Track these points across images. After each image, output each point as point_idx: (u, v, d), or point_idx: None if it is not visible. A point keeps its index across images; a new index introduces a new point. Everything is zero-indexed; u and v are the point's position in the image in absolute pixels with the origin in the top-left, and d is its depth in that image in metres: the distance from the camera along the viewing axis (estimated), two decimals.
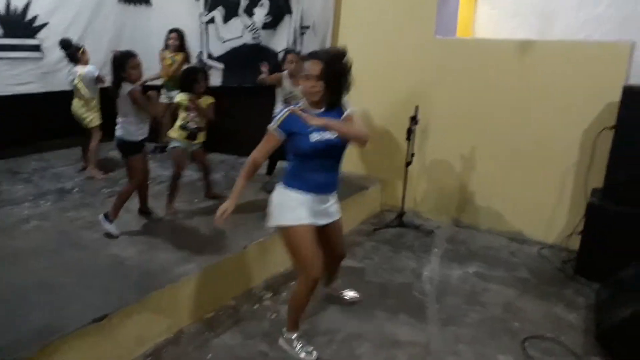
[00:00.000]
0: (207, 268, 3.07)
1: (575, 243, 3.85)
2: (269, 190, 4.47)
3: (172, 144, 4.01)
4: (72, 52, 4.92)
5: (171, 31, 5.53)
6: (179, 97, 3.97)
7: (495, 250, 4.16)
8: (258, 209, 4.02)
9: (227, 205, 2.50)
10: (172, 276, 2.92)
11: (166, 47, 5.56)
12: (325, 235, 2.71)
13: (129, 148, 3.54)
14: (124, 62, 3.44)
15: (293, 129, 2.46)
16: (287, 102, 4.44)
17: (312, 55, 2.53)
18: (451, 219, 4.71)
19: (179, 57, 5.52)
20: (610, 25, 4.76)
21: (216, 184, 4.49)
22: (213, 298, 3.12)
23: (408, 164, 4.43)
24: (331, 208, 2.71)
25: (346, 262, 3.81)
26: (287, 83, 4.44)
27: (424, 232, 4.46)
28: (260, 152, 2.56)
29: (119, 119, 3.53)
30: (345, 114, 2.53)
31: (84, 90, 4.86)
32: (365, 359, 2.70)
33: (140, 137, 3.57)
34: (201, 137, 4.07)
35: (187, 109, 3.95)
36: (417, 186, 4.82)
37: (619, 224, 3.46)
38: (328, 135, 2.46)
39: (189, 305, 2.98)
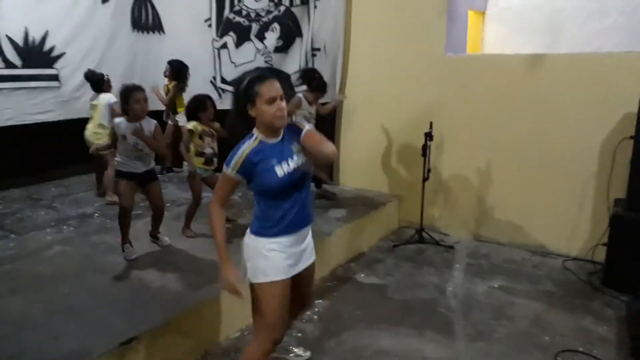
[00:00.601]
0: None
1: (600, 254, 3.80)
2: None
3: (190, 171, 3.92)
4: (97, 82, 5.04)
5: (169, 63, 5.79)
6: (192, 124, 3.90)
7: (518, 263, 4.12)
8: None
9: (228, 277, 2.17)
10: (196, 297, 2.92)
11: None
12: (297, 282, 2.29)
13: (116, 173, 3.54)
14: (127, 96, 3.38)
15: (254, 168, 2.09)
16: (308, 121, 4.46)
17: (267, 74, 2.13)
18: (471, 233, 4.68)
19: (171, 85, 5.73)
20: (619, 37, 4.80)
21: (233, 205, 4.49)
22: (238, 318, 3.09)
23: (425, 179, 4.42)
24: (308, 247, 2.33)
25: (368, 279, 3.84)
26: (306, 105, 4.48)
27: (445, 247, 4.43)
28: (220, 196, 2.20)
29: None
30: (304, 130, 2.15)
31: (99, 115, 4.93)
32: None
33: (123, 168, 3.46)
34: (215, 163, 4.03)
35: (200, 136, 3.91)
36: (435, 201, 4.80)
37: None
38: (294, 164, 2.14)
39: (214, 326, 2.97)
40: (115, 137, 3.48)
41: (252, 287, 2.21)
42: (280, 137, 2.15)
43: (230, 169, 2.09)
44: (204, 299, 2.93)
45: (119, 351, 2.44)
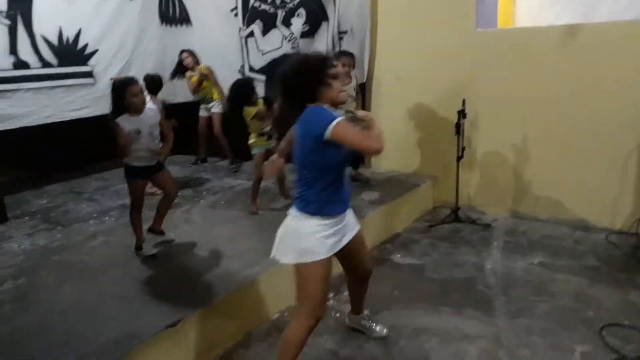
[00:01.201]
0: (270, 270, 3.10)
1: None
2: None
3: (254, 151, 4.20)
4: (154, 85, 4.95)
5: (181, 52, 5.83)
6: (249, 111, 4.03)
7: (559, 239, 4.03)
8: None
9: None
10: (237, 280, 2.99)
11: (181, 69, 5.91)
12: (348, 252, 2.39)
13: (126, 170, 3.42)
14: (123, 91, 3.22)
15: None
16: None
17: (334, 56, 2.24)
18: (508, 210, 4.60)
19: (202, 69, 5.76)
20: None
21: (268, 191, 4.54)
22: (278, 300, 3.16)
23: (459, 158, 4.37)
24: (350, 221, 2.39)
25: (404, 260, 3.84)
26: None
27: (481, 225, 4.37)
28: (365, 134, 2.10)
29: None
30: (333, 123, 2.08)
31: None
32: (435, 353, 2.66)
33: (136, 163, 3.37)
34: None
35: (260, 118, 4.06)
36: (470, 180, 4.74)
37: None
38: None
39: (256, 307, 3.04)
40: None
41: (299, 267, 2.25)
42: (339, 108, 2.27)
43: (339, 119, 2.03)
44: (244, 282, 2.99)
45: (166, 333, 2.52)
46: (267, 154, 4.06)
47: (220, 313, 2.81)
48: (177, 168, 5.79)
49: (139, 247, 3.50)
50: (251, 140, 4.19)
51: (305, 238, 2.20)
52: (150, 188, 4.86)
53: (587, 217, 4.21)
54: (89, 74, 5.75)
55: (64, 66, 5.54)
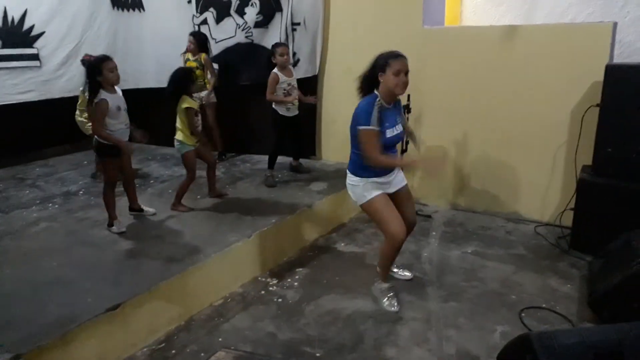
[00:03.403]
0: (213, 257, 3.18)
1: (568, 219, 3.96)
2: (270, 185, 4.63)
3: (185, 149, 3.95)
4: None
5: (190, 35, 5.50)
6: (190, 102, 3.88)
7: (493, 230, 4.28)
8: (261, 201, 4.17)
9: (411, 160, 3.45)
10: (180, 266, 3.04)
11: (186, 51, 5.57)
12: (397, 199, 3.04)
13: (101, 149, 3.53)
14: (99, 66, 3.37)
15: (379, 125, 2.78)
16: (289, 93, 4.57)
17: (401, 54, 2.86)
18: (448, 203, 4.84)
19: (202, 58, 5.44)
20: (592, 7, 4.88)
21: (217, 181, 4.58)
22: (221, 286, 3.24)
23: (403, 151, 4.54)
24: (396, 179, 3.05)
25: (347, 248, 3.99)
26: (282, 77, 4.55)
27: (423, 216, 4.57)
28: (376, 149, 2.78)
29: None
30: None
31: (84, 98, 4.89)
32: (369, 335, 2.82)
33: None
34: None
35: (196, 113, 3.95)
36: (413, 172, 4.93)
37: (609, 198, 3.57)
38: (398, 130, 2.90)
39: (198, 293, 3.10)
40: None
41: (364, 206, 2.97)
42: (393, 105, 2.89)
43: (371, 125, 2.74)
44: (187, 268, 3.04)
45: (105, 317, 2.57)
46: (197, 153, 4.01)
47: (161, 298, 2.86)
48: (136, 158, 5.68)
49: (110, 224, 3.60)
50: (180, 137, 3.94)
51: (354, 189, 2.99)
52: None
53: (519, 210, 4.49)
54: (35, 57, 5.60)
55: (8, 47, 5.37)
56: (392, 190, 3.02)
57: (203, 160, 4.18)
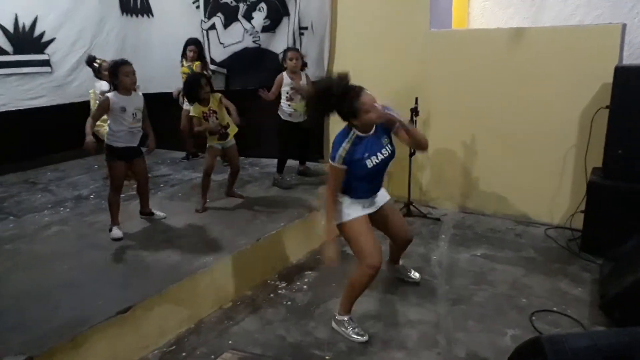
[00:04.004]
0: (223, 261, 3.20)
1: (579, 222, 3.94)
2: (281, 186, 4.66)
3: (208, 144, 4.19)
4: (94, 68, 4.96)
5: (189, 44, 5.54)
6: (192, 110, 4.03)
7: (502, 233, 4.27)
8: (269, 204, 4.19)
9: (330, 250, 2.70)
10: (190, 269, 3.06)
11: (184, 58, 5.63)
12: (382, 218, 2.95)
13: (109, 152, 3.58)
14: (116, 70, 3.48)
15: (352, 159, 2.62)
16: (291, 98, 4.60)
17: (361, 89, 2.61)
18: (457, 205, 4.82)
19: (195, 66, 5.49)
20: (600, 9, 4.86)
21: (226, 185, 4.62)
22: (231, 289, 3.26)
23: (412, 154, 4.54)
24: (379, 197, 2.93)
25: None
26: (289, 80, 4.58)
27: (431, 219, 4.57)
28: (333, 186, 2.69)
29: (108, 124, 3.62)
30: (395, 126, 2.71)
31: (94, 103, 4.93)
32: (378, 337, 2.81)
33: (120, 144, 3.57)
34: (233, 130, 4.20)
35: (205, 119, 4.05)
36: (422, 176, 4.94)
37: (619, 200, 3.54)
38: (384, 155, 2.70)
39: (208, 296, 3.12)
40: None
41: (342, 227, 2.77)
42: (373, 130, 2.67)
43: (335, 162, 2.62)
44: (197, 271, 3.06)
45: (116, 319, 2.59)
46: (217, 151, 4.20)
47: (171, 300, 2.88)
48: (149, 162, 5.75)
49: (110, 229, 3.62)
50: (208, 140, 4.20)
51: (341, 207, 2.77)
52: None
53: (529, 213, 4.46)
54: (46, 63, 5.68)
55: (19, 54, 5.45)
56: (375, 209, 2.90)
57: (228, 164, 4.43)
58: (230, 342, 2.82)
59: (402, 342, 2.78)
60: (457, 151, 4.73)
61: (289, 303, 3.22)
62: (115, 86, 3.54)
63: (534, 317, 2.96)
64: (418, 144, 2.88)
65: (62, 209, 4.32)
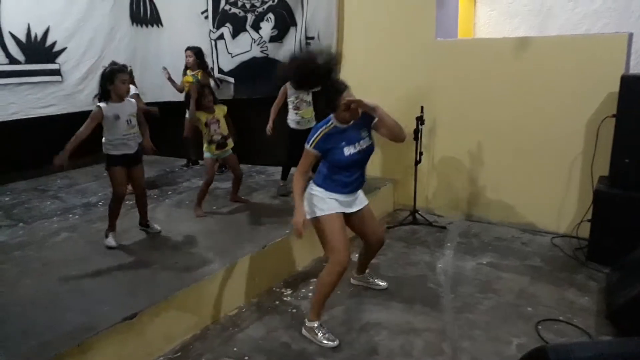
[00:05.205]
0: (229, 268, 3.22)
1: (585, 231, 3.92)
2: (283, 194, 4.69)
3: (205, 155, 4.31)
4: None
5: (186, 49, 5.62)
6: (201, 116, 4.19)
7: (508, 241, 4.25)
8: (275, 212, 4.21)
9: (298, 217, 2.71)
10: (196, 276, 3.08)
11: (186, 66, 5.68)
12: (359, 221, 3.00)
13: (107, 160, 3.59)
14: (113, 77, 3.47)
15: (327, 146, 2.74)
16: (297, 107, 4.63)
17: (345, 86, 2.74)
18: (463, 214, 4.82)
19: (199, 74, 5.53)
20: (607, 19, 4.88)
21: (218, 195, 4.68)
22: (236, 296, 3.27)
23: (417, 162, 4.56)
24: (358, 199, 2.98)
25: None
26: (292, 91, 4.62)
27: (437, 227, 4.57)
28: (302, 168, 2.80)
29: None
30: (375, 120, 2.80)
31: None
32: (383, 346, 2.81)
33: (117, 152, 3.56)
34: (230, 144, 4.34)
35: (206, 125, 4.17)
36: (428, 184, 4.94)
37: (626, 209, 3.53)
38: (362, 146, 2.79)
39: (214, 303, 3.14)
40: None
41: (315, 221, 2.81)
42: (350, 123, 2.76)
43: (309, 145, 2.74)
44: (203, 278, 3.08)
45: (122, 326, 2.60)
46: (215, 161, 4.35)
47: (177, 307, 2.90)
48: (155, 169, 5.87)
49: (106, 235, 3.63)
50: (204, 148, 4.32)
51: (312, 198, 2.82)
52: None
53: (535, 221, 4.45)
54: (57, 72, 5.76)
55: (31, 63, 5.54)
56: (352, 210, 2.93)
57: (231, 171, 4.54)
58: (235, 349, 2.83)
59: (408, 350, 2.77)
60: (463, 159, 4.73)
61: (294, 310, 3.23)
62: (106, 92, 3.49)
63: (539, 326, 2.94)
64: (392, 132, 2.80)
65: (71, 215, 4.37)
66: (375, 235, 3.11)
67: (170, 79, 5.64)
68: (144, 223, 3.93)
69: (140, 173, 3.79)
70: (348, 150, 2.74)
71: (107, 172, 3.67)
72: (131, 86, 4.84)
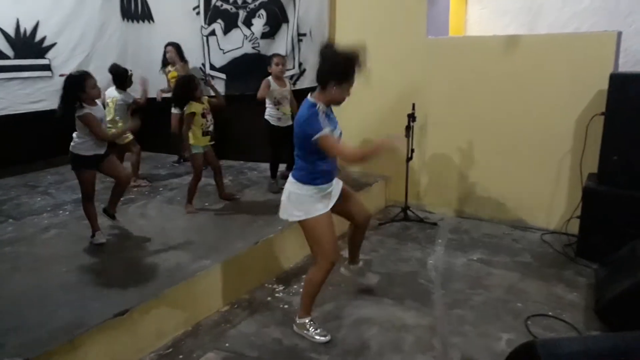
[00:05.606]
0: (220, 264, 3.22)
1: (575, 227, 3.96)
2: (274, 191, 4.68)
3: (194, 150, 4.21)
4: (121, 77, 4.87)
5: (167, 45, 5.70)
6: (194, 107, 4.13)
7: (498, 238, 4.29)
8: (267, 208, 4.21)
9: (385, 143, 2.62)
10: (188, 272, 3.08)
11: (165, 62, 5.74)
12: (342, 205, 2.93)
13: (78, 161, 3.55)
14: (83, 83, 3.39)
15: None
16: (279, 102, 4.65)
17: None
18: (454, 210, 4.85)
19: (181, 68, 5.60)
20: (595, 17, 4.92)
21: (225, 188, 4.64)
22: (228, 292, 3.27)
23: (409, 159, 4.57)
24: (335, 187, 2.87)
25: None
26: (274, 85, 4.63)
27: (428, 224, 4.59)
28: (341, 146, 2.70)
29: (74, 134, 3.55)
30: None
31: (111, 112, 4.83)
32: (374, 341, 2.83)
33: (90, 152, 3.54)
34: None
35: (203, 116, 4.16)
36: (419, 181, 4.97)
37: (615, 206, 3.57)
38: (339, 130, 2.78)
39: (205, 299, 3.14)
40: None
41: (303, 223, 2.76)
42: (329, 108, 2.73)
43: (323, 131, 2.56)
44: (195, 274, 3.08)
45: (113, 322, 2.60)
46: (202, 156, 4.27)
47: (169, 303, 2.89)
48: (147, 166, 5.83)
49: (92, 235, 3.60)
50: (192, 140, 4.19)
51: (301, 199, 2.74)
52: (134, 181, 4.88)
53: (525, 218, 4.49)
54: (47, 67, 5.71)
55: (20, 58, 5.49)
56: (334, 200, 2.83)
57: (208, 164, 4.43)
58: (227, 345, 2.83)
59: (398, 345, 2.79)
60: (453, 156, 4.76)
61: (285, 306, 3.23)
62: (74, 99, 3.39)
63: (529, 322, 2.97)
64: None
65: (61, 212, 4.34)
66: (361, 211, 3.07)
67: (145, 90, 5.17)
68: (110, 212, 3.91)
69: (114, 162, 3.76)
70: (335, 134, 2.70)
71: (75, 172, 3.59)
72: (127, 93, 4.90)
